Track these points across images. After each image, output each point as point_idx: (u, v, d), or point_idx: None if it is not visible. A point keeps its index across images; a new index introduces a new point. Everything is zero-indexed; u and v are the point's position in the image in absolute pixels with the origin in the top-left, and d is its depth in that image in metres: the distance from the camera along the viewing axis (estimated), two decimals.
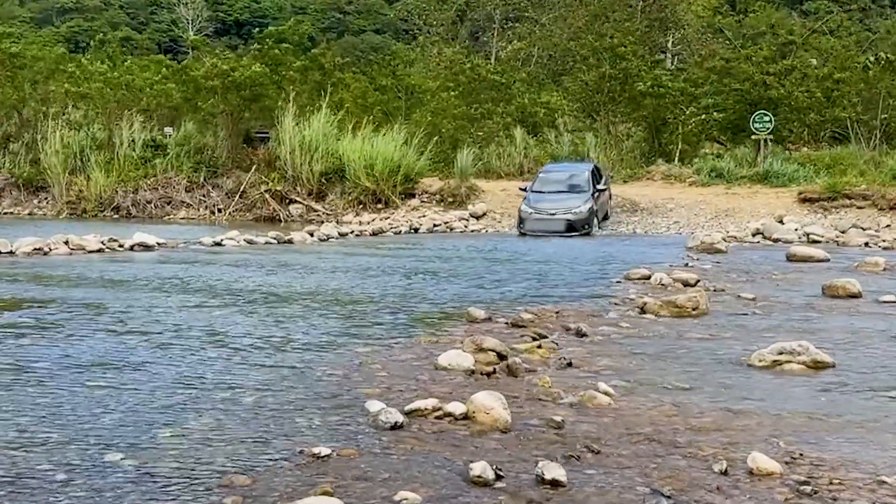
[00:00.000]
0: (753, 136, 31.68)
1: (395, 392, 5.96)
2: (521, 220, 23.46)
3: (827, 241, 21.03)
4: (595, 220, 22.83)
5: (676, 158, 32.41)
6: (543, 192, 23.80)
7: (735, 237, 22.09)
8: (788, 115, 33.89)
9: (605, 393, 6.00)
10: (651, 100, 33.42)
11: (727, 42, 55.25)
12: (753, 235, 22.39)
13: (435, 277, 13.75)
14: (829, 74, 34.71)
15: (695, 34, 55.91)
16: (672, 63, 50.73)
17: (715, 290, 11.78)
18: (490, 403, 5.35)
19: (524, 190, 25.22)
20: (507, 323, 8.84)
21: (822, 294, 11.56)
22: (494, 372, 6.63)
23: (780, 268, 15.43)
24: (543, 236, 22.12)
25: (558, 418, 5.40)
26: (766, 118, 31.19)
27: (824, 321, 9.58)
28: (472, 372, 6.60)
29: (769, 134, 31.44)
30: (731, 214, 25.80)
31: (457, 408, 5.42)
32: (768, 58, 37.35)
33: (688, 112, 33.51)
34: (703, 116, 33.74)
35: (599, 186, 23.86)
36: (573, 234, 21.96)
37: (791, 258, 16.65)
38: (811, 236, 21.71)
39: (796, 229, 22.67)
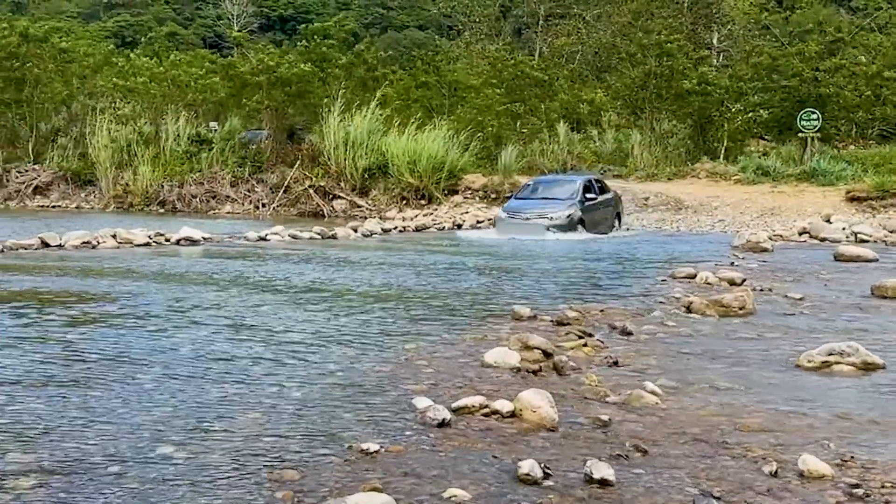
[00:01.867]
0: (800, 134, 31.41)
1: (441, 389, 5.97)
2: (494, 224, 23.31)
3: (875, 241, 20.76)
4: (580, 228, 22.12)
5: (722, 156, 32.17)
6: (523, 200, 23.65)
7: (781, 236, 21.87)
8: (836, 112, 33.54)
9: (652, 392, 5.98)
10: (697, 97, 33.20)
11: (773, 39, 54.73)
12: (800, 234, 22.14)
13: (479, 274, 13.74)
14: (878, 72, 34.37)
15: (741, 31, 55.42)
16: (718, 60, 50.32)
17: (761, 290, 11.67)
18: (537, 401, 5.35)
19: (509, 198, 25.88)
20: (552, 321, 8.80)
21: (870, 294, 11.42)
22: (541, 370, 6.61)
23: (828, 267, 15.27)
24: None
25: (605, 417, 5.39)
26: (814, 116, 30.92)
27: (874, 322, 9.47)
28: (519, 369, 6.59)
29: (816, 132, 31.17)
30: (777, 213, 25.57)
31: (504, 405, 5.42)
32: (817, 54, 37.02)
33: (734, 109, 33.26)
34: (750, 114, 33.45)
35: (592, 197, 23.10)
36: (548, 238, 21.21)
37: (839, 258, 16.46)
38: (859, 236, 21.42)
39: (843, 228, 22.41)
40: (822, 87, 33.25)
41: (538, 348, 7.08)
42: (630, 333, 8.34)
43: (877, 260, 16.32)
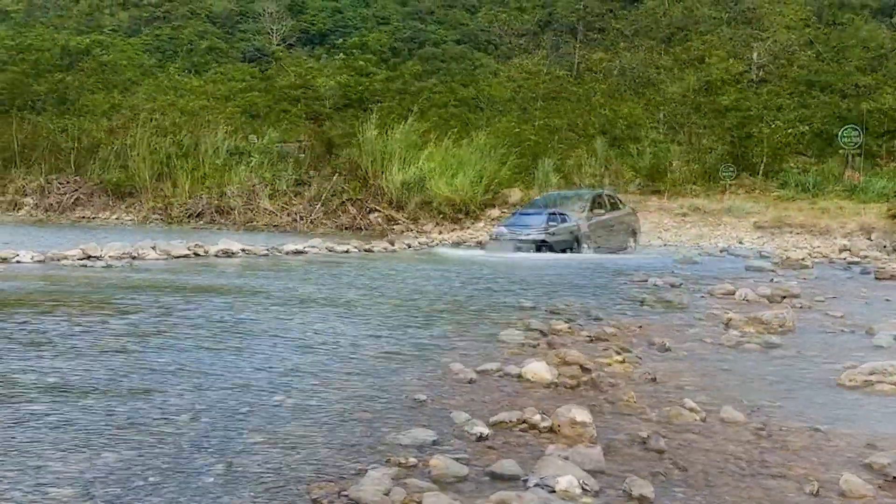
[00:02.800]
0: (841, 151, 31.24)
1: (479, 403, 5.96)
2: (493, 238, 22.29)
3: None
4: (586, 244, 21.17)
5: (761, 172, 32.04)
6: (522, 215, 22.82)
7: (821, 253, 21.75)
8: (878, 129, 33.37)
9: (691, 409, 5.94)
10: (735, 113, 33.13)
11: (815, 54, 54.51)
12: (840, 252, 22.01)
13: (516, 288, 13.73)
14: None
15: (782, 46, 55.21)
16: (757, 75, 50.10)
17: (801, 307, 11.61)
18: (575, 417, 5.33)
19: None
20: (589, 336, 8.78)
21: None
22: (578, 385, 6.59)
23: (869, 286, 15.17)
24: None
25: (644, 434, 5.36)
26: (855, 132, 30.77)
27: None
28: (556, 384, 6.57)
29: (858, 148, 30.99)
30: (817, 230, 25.41)
31: (541, 420, 5.41)
32: (860, 69, 36.92)
33: (773, 125, 33.14)
34: (790, 130, 33.33)
35: (601, 212, 22.20)
36: (542, 252, 20.60)
37: (880, 276, 16.34)
38: None
39: (885, 246, 22.25)
40: (864, 103, 33.09)
41: (576, 363, 7.07)
42: (668, 350, 8.30)
43: None
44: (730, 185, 30.53)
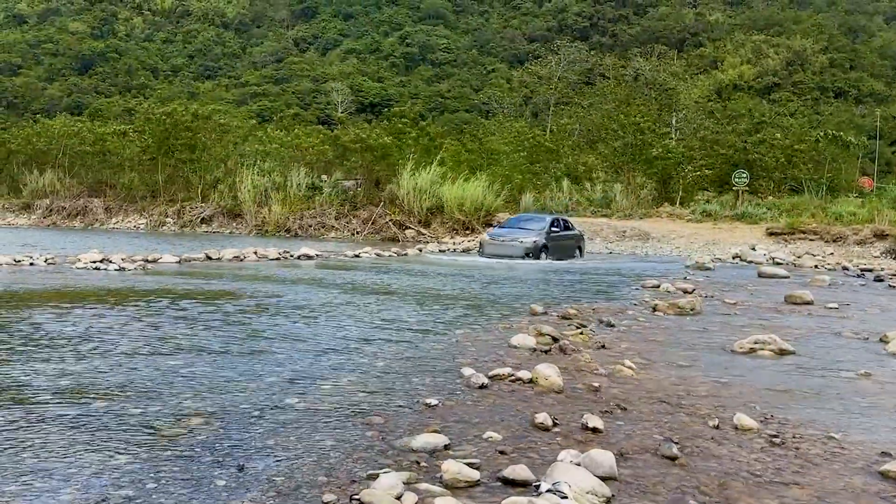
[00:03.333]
0: (734, 188, 31.13)
1: (481, 362, 5.96)
2: (480, 246, 20.73)
3: (787, 263, 20.47)
4: (544, 254, 19.62)
5: (678, 202, 31.91)
6: (503, 228, 21.27)
7: (720, 259, 21.62)
8: (760, 172, 33.23)
9: (629, 367, 5.93)
10: (661, 161, 33.00)
11: (715, 120, 54.28)
12: (733, 258, 21.88)
13: (506, 283, 13.72)
14: (790, 145, 33.99)
15: (692, 114, 55.08)
16: (675, 135, 49.93)
17: (706, 297, 11.55)
18: (548, 372, 5.33)
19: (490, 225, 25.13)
20: (558, 315, 8.76)
21: (784, 301, 11.25)
22: (550, 350, 6.58)
23: (754, 282, 15.06)
24: (506, 259, 19.49)
25: (596, 384, 5.35)
26: (744, 174, 30.70)
27: (786, 321, 9.33)
28: (535, 350, 6.57)
29: (746, 186, 30.89)
30: (717, 243, 25.24)
31: (525, 374, 5.41)
32: (746, 131, 36.73)
33: (687, 170, 33.03)
34: (698, 173, 33.22)
35: (556, 231, 20.56)
36: (522, 258, 19.18)
37: (761, 275, 16.24)
38: (776, 259, 21.15)
39: (765, 254, 22.11)
40: (750, 155, 32.97)
41: (549, 335, 7.07)
42: (613, 326, 8.28)
43: (788, 277, 16.08)
44: (657, 211, 30.46)
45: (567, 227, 21.77)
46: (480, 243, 20.99)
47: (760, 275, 16.27)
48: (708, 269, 17.86)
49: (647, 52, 68.15)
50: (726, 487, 3.49)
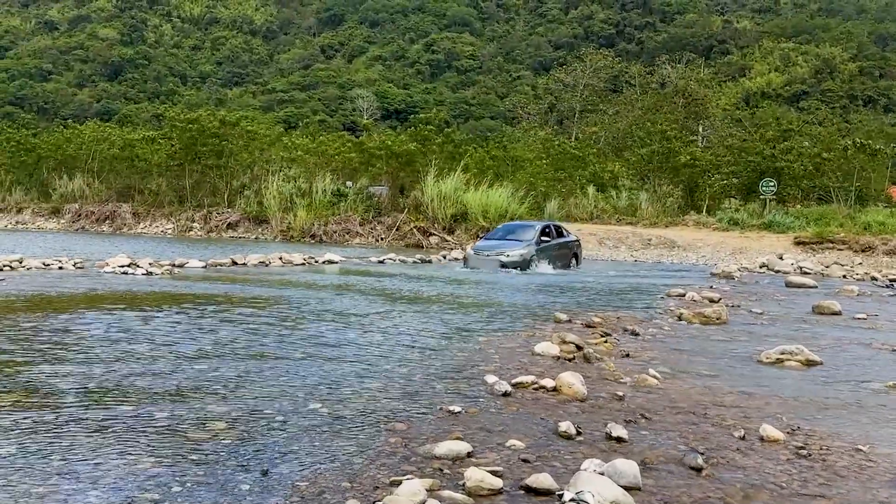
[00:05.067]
0: (761, 196, 30.88)
1: (504, 369, 5.95)
2: (464, 260, 18.71)
3: (815, 273, 20.23)
4: (534, 264, 17.87)
5: (705, 210, 31.70)
6: (488, 241, 19.34)
7: (747, 268, 21.41)
8: (788, 181, 32.92)
9: (654, 376, 5.89)
10: (687, 169, 32.81)
11: (743, 129, 53.91)
12: (760, 267, 21.65)
13: (530, 290, 13.68)
14: (818, 153, 33.65)
15: (719, 122, 54.74)
16: (702, 143, 49.65)
17: (732, 306, 11.44)
18: (572, 380, 5.31)
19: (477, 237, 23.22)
20: (582, 324, 8.73)
21: (812, 311, 11.13)
22: (574, 358, 6.56)
23: (781, 291, 14.91)
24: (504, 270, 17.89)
25: (620, 393, 5.32)
26: (772, 183, 30.48)
27: (814, 331, 9.22)
28: (558, 358, 6.54)
29: (773, 194, 30.65)
30: (744, 251, 25.04)
31: (548, 383, 5.39)
32: (774, 139, 36.46)
33: (713, 178, 32.80)
34: (725, 181, 32.98)
35: (547, 239, 18.91)
36: (506, 270, 17.34)
37: (789, 285, 16.07)
38: (803, 269, 20.91)
39: (792, 263, 21.87)
40: (778, 163, 32.69)
41: (573, 343, 7.03)
42: (637, 334, 8.23)
43: (816, 287, 15.88)
44: (683, 219, 30.28)
45: (560, 233, 20.17)
46: (465, 257, 18.95)
47: (788, 284, 16.10)
48: (734, 278, 17.71)
49: (674, 59, 67.80)
50: (752, 499, 3.45)
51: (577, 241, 21.32)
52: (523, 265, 17.81)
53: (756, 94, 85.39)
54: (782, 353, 7.02)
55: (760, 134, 40.12)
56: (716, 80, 72.48)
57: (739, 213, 29.87)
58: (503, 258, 17.77)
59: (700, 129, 53.03)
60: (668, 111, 50.16)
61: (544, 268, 18.26)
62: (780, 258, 23.10)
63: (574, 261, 20.25)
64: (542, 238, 18.93)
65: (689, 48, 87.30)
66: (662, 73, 66.07)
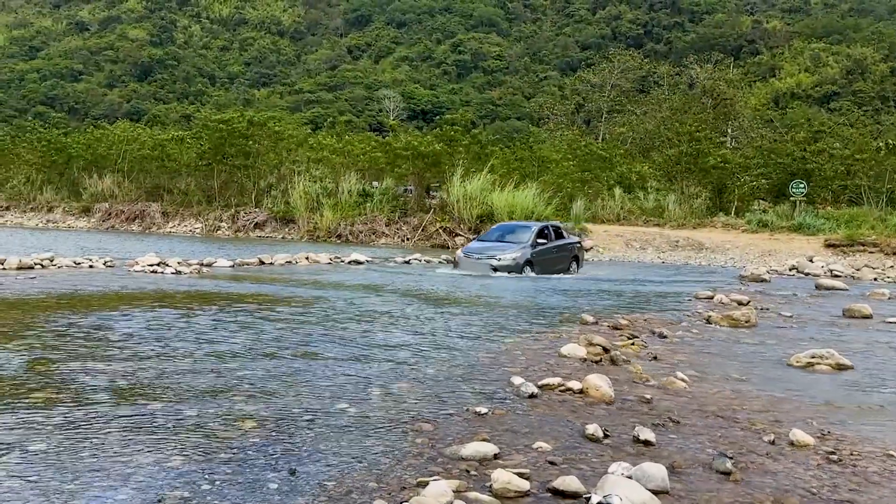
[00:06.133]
0: (791, 198, 30.55)
1: (530, 371, 5.94)
2: (455, 263, 17.61)
3: (845, 276, 19.97)
4: (528, 268, 16.73)
5: (733, 212, 31.42)
6: (481, 242, 18.27)
7: (776, 270, 21.19)
8: (818, 183, 32.53)
9: (682, 380, 5.86)
10: (716, 170, 32.53)
11: (773, 129, 53.38)
12: (790, 270, 21.42)
13: (556, 292, 13.63)
14: (850, 155, 33.23)
15: (749, 123, 54.22)
16: (731, 144, 49.21)
17: (761, 309, 11.33)
18: (599, 383, 5.29)
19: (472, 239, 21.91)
20: (609, 326, 8.68)
21: (842, 315, 11.00)
22: (601, 361, 6.53)
23: (811, 294, 14.74)
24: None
25: (648, 396, 5.29)
26: (802, 185, 30.14)
27: (845, 334, 9.11)
28: (585, 360, 6.52)
29: (803, 196, 30.31)
30: (773, 254, 24.79)
31: (575, 385, 5.38)
32: (805, 140, 36.06)
33: (742, 179, 32.50)
34: (754, 183, 32.67)
35: (543, 241, 17.62)
36: (497, 274, 16.22)
37: (819, 287, 15.88)
38: (834, 271, 20.65)
39: (822, 266, 21.61)
40: (808, 164, 32.33)
41: (599, 345, 7.00)
42: (665, 337, 8.18)
43: (847, 290, 15.68)
44: (711, 221, 30.01)
45: (559, 235, 18.91)
46: (455, 260, 17.85)
47: (818, 287, 15.92)
48: (764, 280, 17.53)
49: (703, 59, 67.25)
50: None
51: (579, 243, 20.20)
52: (516, 269, 16.64)
53: (786, 94, 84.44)
54: (812, 357, 6.94)
55: (791, 135, 39.73)
56: (745, 81, 71.73)
57: (768, 215, 29.57)
58: (494, 261, 16.63)
59: (729, 130, 52.58)
60: (697, 112, 49.76)
61: (538, 271, 17.09)
62: (810, 261, 22.83)
63: (574, 265, 18.97)
64: (539, 240, 17.71)
65: (717, 48, 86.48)
66: (691, 74, 65.55)
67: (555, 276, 17.28)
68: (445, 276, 15.70)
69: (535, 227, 18.34)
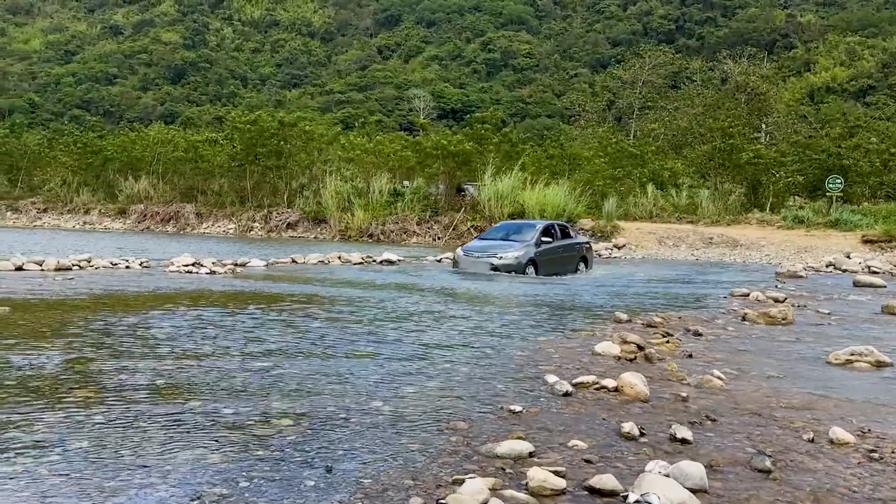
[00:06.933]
0: (828, 194, 30.11)
1: (564, 369, 5.91)
2: (454, 262, 16.91)
3: (884, 272, 19.62)
4: (532, 268, 15.96)
5: (768, 208, 31.02)
6: (482, 241, 17.51)
7: (813, 267, 20.89)
8: (855, 178, 32.01)
9: (718, 377, 5.79)
10: (750, 166, 32.13)
11: (808, 125, 52.61)
12: (827, 266, 21.10)
13: (588, 290, 13.56)
14: (886, 149, 32.68)
15: (783, 118, 53.47)
16: (765, 139, 48.57)
17: (798, 306, 11.18)
18: (634, 381, 5.25)
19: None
20: (643, 324, 8.62)
21: (881, 311, 10.81)
22: (635, 359, 6.49)
23: (849, 291, 14.50)
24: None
25: (684, 394, 5.25)
26: (838, 180, 29.71)
27: (884, 331, 8.95)
28: (619, 358, 6.48)
29: (840, 192, 29.86)
30: (810, 250, 24.44)
31: (610, 383, 5.35)
32: (840, 135, 35.51)
33: (777, 175, 32.08)
34: (790, 179, 32.24)
35: (548, 240, 16.82)
36: (498, 274, 15.58)
37: (857, 284, 15.63)
38: (872, 268, 20.30)
39: (860, 262, 21.26)
40: (844, 160, 31.83)
41: (634, 343, 6.96)
42: (700, 335, 8.10)
43: (885, 286, 15.43)
44: (746, 217, 29.63)
45: (566, 235, 18.21)
46: (454, 259, 17.12)
47: (856, 284, 15.67)
48: (800, 277, 17.30)
49: (736, 54, 66.45)
50: (822, 503, 3.37)
51: (588, 244, 19.40)
52: (518, 268, 15.89)
53: (821, 89, 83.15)
54: (851, 354, 6.84)
55: (826, 130, 39.15)
56: (779, 76, 70.72)
57: (804, 211, 29.15)
58: (494, 260, 15.93)
59: (763, 126, 51.89)
60: (730, 107, 49.17)
61: (542, 272, 16.33)
62: (848, 257, 22.47)
63: (583, 265, 18.09)
64: (543, 239, 16.94)
65: (751, 43, 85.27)
66: (724, 69, 64.81)
67: (567, 275, 16.76)
68: (477, 274, 15.58)
69: (540, 225, 17.64)
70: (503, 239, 17.15)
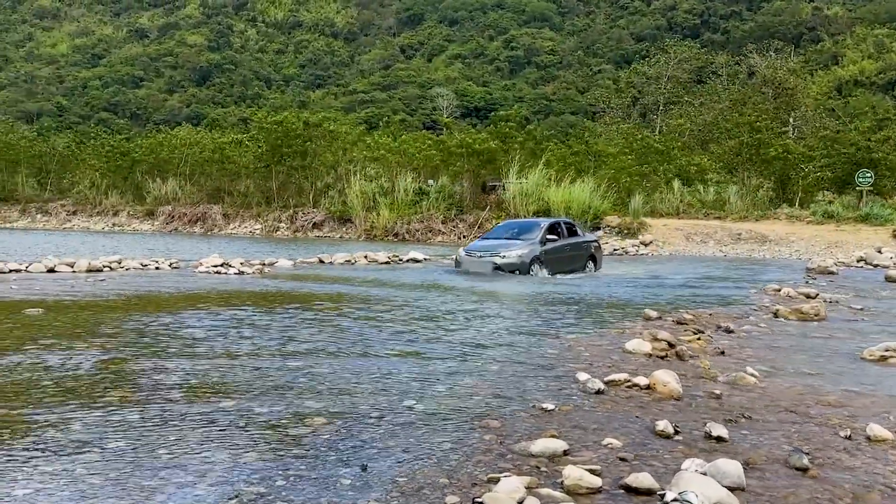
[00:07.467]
0: (857, 188, 29.72)
1: (596, 367, 5.89)
2: (456, 262, 16.29)
3: None
4: (537, 267, 15.45)
5: (797, 204, 30.68)
6: (486, 240, 16.92)
7: (843, 263, 20.62)
8: (885, 172, 31.56)
9: (752, 375, 5.74)
10: (779, 161, 31.78)
11: (836, 118, 51.95)
12: (858, 261, 20.82)
13: (617, 287, 13.49)
14: None
15: (811, 112, 52.86)
16: (793, 134, 48.04)
17: (830, 302, 11.05)
18: (666, 378, 5.22)
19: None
20: (673, 321, 8.56)
21: None
22: (667, 356, 6.45)
23: (881, 286, 14.31)
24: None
25: (717, 392, 5.21)
26: (868, 174, 29.32)
27: None
28: (650, 355, 6.45)
29: (870, 186, 29.46)
30: (840, 245, 24.15)
31: (642, 380, 5.32)
32: (870, 129, 35.03)
33: (806, 170, 31.71)
34: (818, 173, 31.86)
35: (553, 238, 16.32)
36: (501, 273, 15.06)
37: (888, 279, 15.41)
38: None
39: (892, 257, 20.97)
40: (874, 154, 31.40)
41: (665, 340, 6.91)
42: (732, 332, 8.04)
43: None
44: (774, 213, 29.29)
45: (573, 233, 17.64)
46: (456, 259, 16.58)
47: (888, 279, 15.44)
48: (831, 272, 17.10)
49: (763, 48, 65.76)
50: (862, 500, 3.34)
51: (596, 242, 18.78)
52: (522, 268, 15.39)
53: (849, 82, 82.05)
54: (886, 350, 6.74)
55: (855, 124, 38.62)
56: (806, 69, 69.96)
57: (834, 206, 28.80)
58: (497, 260, 15.40)
59: (791, 120, 51.34)
60: (757, 102, 48.68)
61: (547, 271, 15.83)
62: (879, 252, 22.17)
63: (592, 264, 17.53)
64: (549, 237, 16.43)
65: (777, 37, 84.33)
66: (750, 63, 64.20)
67: (579, 274, 16.43)
68: (504, 274, 15.47)
69: (545, 223, 17.19)
70: (507, 238, 16.73)
